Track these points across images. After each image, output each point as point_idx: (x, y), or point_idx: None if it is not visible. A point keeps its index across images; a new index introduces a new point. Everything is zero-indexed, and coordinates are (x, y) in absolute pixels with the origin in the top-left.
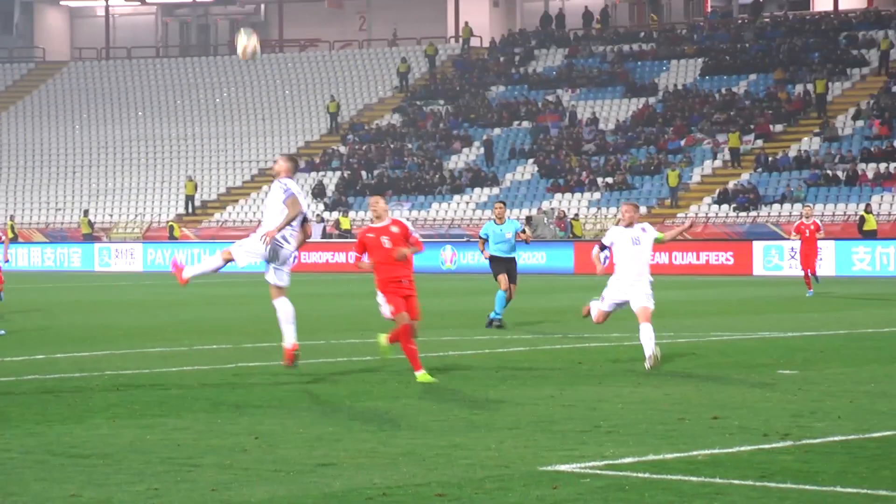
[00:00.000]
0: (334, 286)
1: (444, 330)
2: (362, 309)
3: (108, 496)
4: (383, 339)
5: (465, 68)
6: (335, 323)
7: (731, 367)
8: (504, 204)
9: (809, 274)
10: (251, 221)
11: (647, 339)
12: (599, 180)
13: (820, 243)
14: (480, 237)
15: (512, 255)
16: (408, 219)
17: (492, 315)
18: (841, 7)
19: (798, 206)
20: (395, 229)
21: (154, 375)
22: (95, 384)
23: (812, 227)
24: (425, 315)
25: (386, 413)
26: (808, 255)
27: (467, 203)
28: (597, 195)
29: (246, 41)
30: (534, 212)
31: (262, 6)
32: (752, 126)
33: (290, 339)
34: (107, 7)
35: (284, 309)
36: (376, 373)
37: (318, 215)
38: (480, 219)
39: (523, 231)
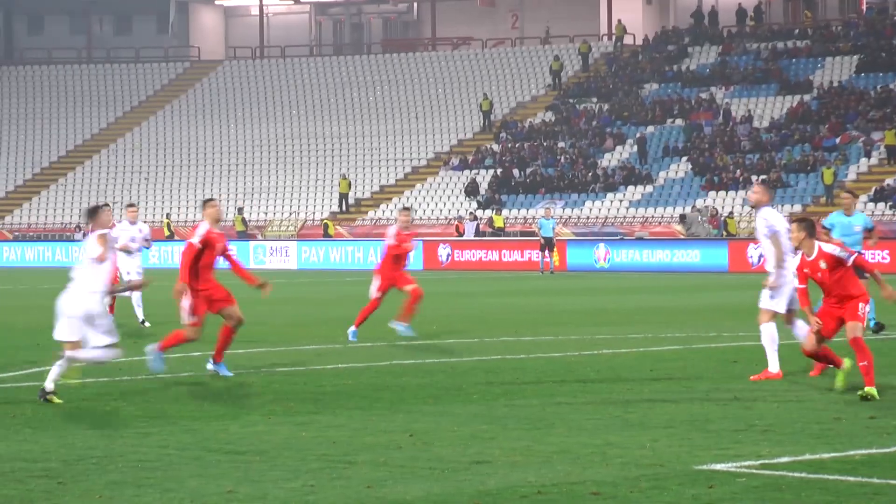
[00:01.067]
0: (487, 284)
1: (598, 328)
2: (515, 307)
3: (264, 493)
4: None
5: (618, 66)
6: (488, 321)
7: (889, 367)
8: (854, 194)
9: None
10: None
11: None
12: (754, 178)
13: None
14: (825, 227)
15: (858, 250)
16: (557, 217)
17: (872, 323)
18: None
19: None
20: (823, 265)
21: (309, 373)
22: (251, 381)
23: None
24: (577, 314)
25: (540, 411)
26: None
27: (620, 201)
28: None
29: None
30: (687, 209)
31: (415, 5)
32: None
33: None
34: (261, 6)
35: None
36: (529, 371)
37: (471, 213)
38: (634, 217)
39: (870, 230)
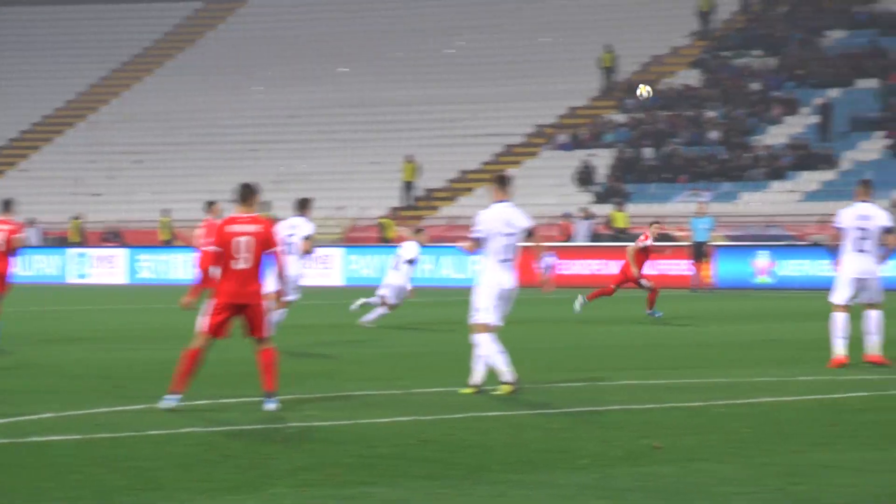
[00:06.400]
0: (606, 306)
1: (757, 367)
2: (643, 338)
3: None
4: None
5: (791, 6)
6: (604, 357)
7: None
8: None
9: None
10: None
11: None
12: None
13: None
14: None
15: None
16: (704, 214)
17: None
18: None
19: None
20: None
21: (358, 428)
22: (277, 439)
23: None
24: (729, 347)
25: (675, 481)
26: None
27: (791, 192)
28: None
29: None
30: (885, 203)
31: None
32: None
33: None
34: None
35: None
36: (661, 426)
37: (583, 209)
38: (809, 214)
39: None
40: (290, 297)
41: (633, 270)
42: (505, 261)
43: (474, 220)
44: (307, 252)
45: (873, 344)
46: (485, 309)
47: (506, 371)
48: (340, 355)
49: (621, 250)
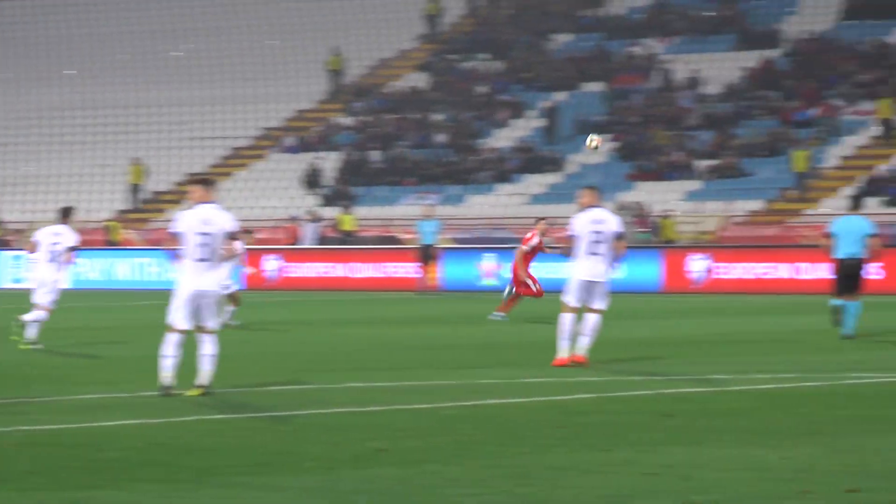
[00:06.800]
0: (332, 309)
1: (484, 369)
2: (370, 340)
3: None
4: None
5: (518, 10)
6: (332, 360)
7: (874, 420)
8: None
9: None
10: None
11: None
12: (700, 164)
13: None
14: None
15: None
16: (430, 217)
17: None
18: None
19: None
20: None
21: (85, 431)
22: (3, 443)
23: None
24: (454, 349)
25: (401, 484)
26: None
27: (517, 195)
28: (696, 184)
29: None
30: (609, 206)
31: None
32: None
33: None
34: None
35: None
36: (387, 429)
37: (310, 212)
38: (535, 217)
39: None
40: (48, 301)
41: (521, 272)
42: (201, 261)
43: (173, 220)
44: (69, 262)
45: (583, 345)
46: (174, 310)
47: (166, 377)
48: (67, 359)
49: (348, 253)
